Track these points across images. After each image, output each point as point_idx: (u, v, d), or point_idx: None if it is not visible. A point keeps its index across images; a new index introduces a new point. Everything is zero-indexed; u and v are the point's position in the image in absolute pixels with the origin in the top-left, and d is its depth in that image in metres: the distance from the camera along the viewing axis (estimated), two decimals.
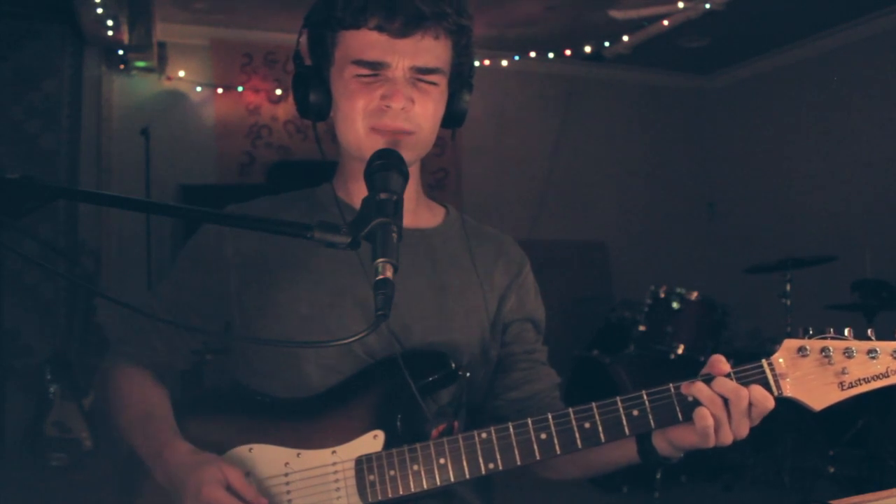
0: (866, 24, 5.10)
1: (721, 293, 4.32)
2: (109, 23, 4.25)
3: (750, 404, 1.03)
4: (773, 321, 4.46)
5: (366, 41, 1.16)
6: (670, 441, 1.08)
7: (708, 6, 4.54)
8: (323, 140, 1.27)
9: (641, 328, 4.09)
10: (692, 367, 3.98)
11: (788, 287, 3.93)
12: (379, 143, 1.17)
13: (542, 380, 1.34)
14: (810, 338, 1.06)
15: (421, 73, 1.17)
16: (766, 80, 5.95)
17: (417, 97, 1.18)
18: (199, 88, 5.12)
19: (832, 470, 3.71)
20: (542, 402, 1.31)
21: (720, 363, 1.06)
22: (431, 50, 1.17)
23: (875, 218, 4.90)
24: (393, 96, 1.15)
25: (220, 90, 5.15)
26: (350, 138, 1.21)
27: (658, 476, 3.67)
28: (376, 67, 1.16)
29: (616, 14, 4.72)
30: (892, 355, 1.03)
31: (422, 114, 1.19)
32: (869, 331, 1.06)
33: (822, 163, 5.42)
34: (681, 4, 4.58)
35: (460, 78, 1.26)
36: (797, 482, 3.68)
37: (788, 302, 3.92)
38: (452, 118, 1.27)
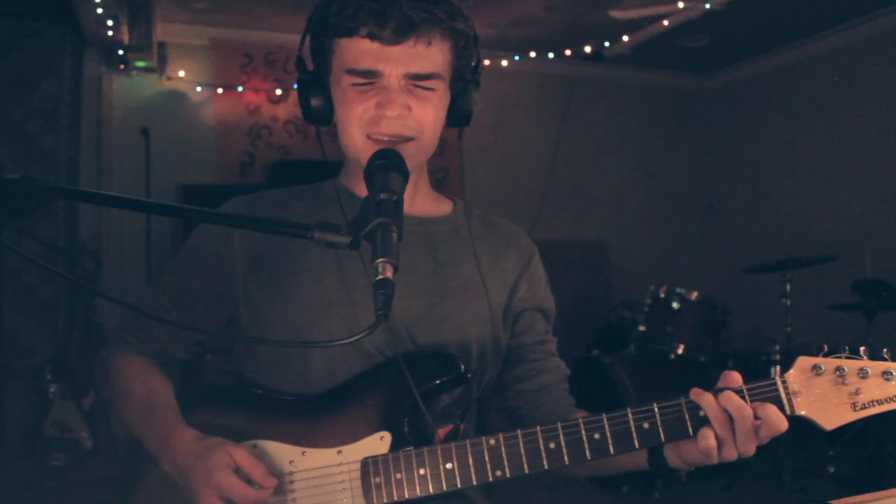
0: (866, 24, 5.09)
1: (721, 293, 4.31)
2: (109, 23, 4.25)
3: (759, 423, 1.02)
4: (773, 321, 4.46)
5: (358, 50, 1.16)
6: (681, 455, 1.07)
7: (708, 6, 4.54)
8: (326, 140, 1.28)
9: (641, 328, 4.09)
10: (692, 367, 4.00)
11: (788, 287, 3.93)
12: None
13: (552, 371, 1.34)
14: (825, 356, 1.04)
15: (416, 80, 1.17)
16: (765, 80, 5.95)
17: (415, 103, 1.17)
18: (199, 88, 5.11)
19: (832, 470, 3.71)
20: (552, 394, 1.31)
21: (733, 378, 1.04)
22: (425, 56, 1.16)
23: (875, 218, 4.90)
24: (387, 105, 1.15)
25: (220, 90, 5.15)
26: (349, 146, 1.22)
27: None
28: (369, 76, 1.16)
29: (616, 14, 4.72)
30: None
31: (421, 119, 1.18)
32: (885, 351, 1.04)
33: (822, 163, 5.42)
34: (681, 4, 4.58)
35: (463, 78, 1.25)
36: (797, 482, 3.68)
37: (788, 302, 3.92)
38: (458, 117, 1.27)
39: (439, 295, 1.26)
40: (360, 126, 1.18)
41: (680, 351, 3.95)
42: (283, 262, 1.25)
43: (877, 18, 5.00)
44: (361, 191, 1.28)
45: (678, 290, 4.06)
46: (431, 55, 1.17)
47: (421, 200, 1.32)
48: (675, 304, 4.03)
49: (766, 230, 5.62)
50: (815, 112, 5.48)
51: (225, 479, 1.03)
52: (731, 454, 1.03)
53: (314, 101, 1.22)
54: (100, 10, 4.08)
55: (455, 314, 1.26)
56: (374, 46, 1.15)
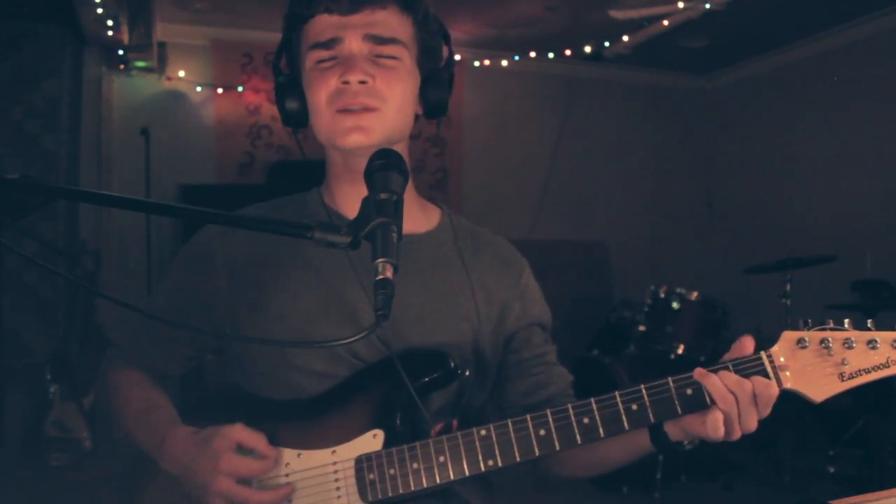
0: (866, 24, 5.09)
1: (721, 293, 4.31)
2: (109, 23, 4.25)
3: (754, 395, 1.03)
4: (773, 321, 4.45)
5: (319, 26, 1.20)
6: (683, 427, 1.09)
7: (708, 6, 4.54)
8: (315, 143, 1.28)
9: (641, 328, 4.09)
10: (692, 367, 3.98)
11: (788, 287, 3.93)
12: (345, 123, 1.17)
13: (555, 382, 1.33)
14: (809, 329, 1.06)
15: (377, 44, 1.19)
16: (765, 81, 5.95)
17: (378, 73, 1.18)
18: (199, 88, 5.12)
19: (832, 470, 3.71)
20: (559, 404, 1.30)
21: (746, 343, 1.07)
22: (383, 21, 1.19)
23: (875, 218, 4.90)
24: (349, 70, 1.17)
25: (220, 90, 5.15)
26: (321, 128, 1.22)
27: (658, 476, 3.67)
28: (330, 45, 1.19)
29: (616, 14, 4.72)
30: (892, 345, 1.03)
31: (385, 89, 1.18)
32: (869, 321, 1.05)
33: (822, 163, 5.42)
34: (681, 4, 4.58)
35: (431, 59, 1.26)
36: (797, 482, 3.68)
37: (788, 302, 3.92)
38: (431, 108, 1.27)
39: (422, 308, 1.25)
40: (327, 104, 1.19)
41: (680, 351, 3.95)
42: (264, 279, 1.25)
43: (877, 18, 5.00)
44: (339, 198, 1.29)
45: (678, 290, 4.06)
46: (390, 21, 1.20)
47: (412, 212, 1.27)
48: (675, 304, 4.03)
49: (766, 230, 5.62)
50: (815, 112, 5.48)
51: (231, 460, 1.06)
52: (735, 432, 1.05)
53: (289, 103, 1.24)
54: (100, 10, 4.09)
55: (435, 328, 1.24)
56: (332, 19, 1.19)
